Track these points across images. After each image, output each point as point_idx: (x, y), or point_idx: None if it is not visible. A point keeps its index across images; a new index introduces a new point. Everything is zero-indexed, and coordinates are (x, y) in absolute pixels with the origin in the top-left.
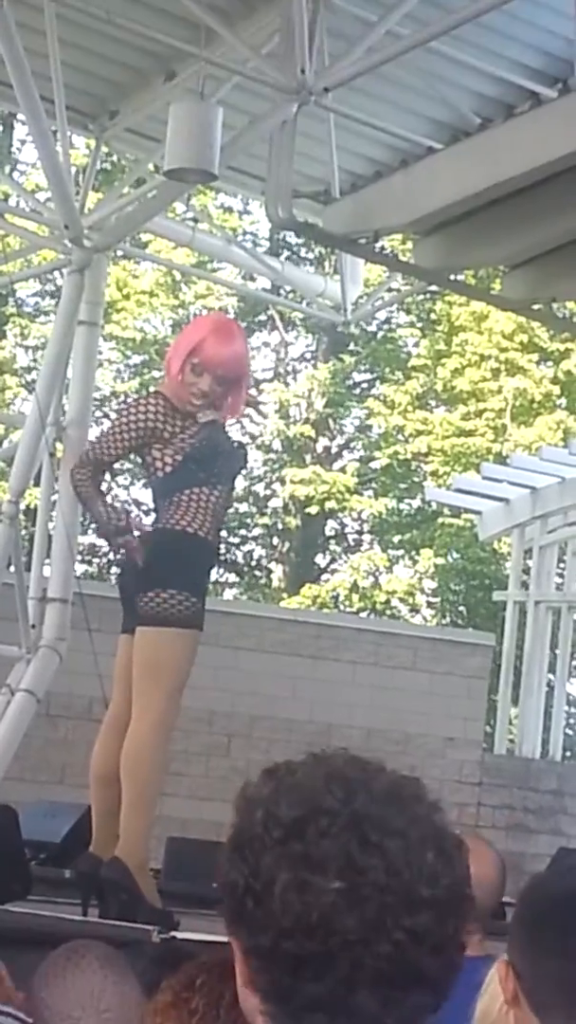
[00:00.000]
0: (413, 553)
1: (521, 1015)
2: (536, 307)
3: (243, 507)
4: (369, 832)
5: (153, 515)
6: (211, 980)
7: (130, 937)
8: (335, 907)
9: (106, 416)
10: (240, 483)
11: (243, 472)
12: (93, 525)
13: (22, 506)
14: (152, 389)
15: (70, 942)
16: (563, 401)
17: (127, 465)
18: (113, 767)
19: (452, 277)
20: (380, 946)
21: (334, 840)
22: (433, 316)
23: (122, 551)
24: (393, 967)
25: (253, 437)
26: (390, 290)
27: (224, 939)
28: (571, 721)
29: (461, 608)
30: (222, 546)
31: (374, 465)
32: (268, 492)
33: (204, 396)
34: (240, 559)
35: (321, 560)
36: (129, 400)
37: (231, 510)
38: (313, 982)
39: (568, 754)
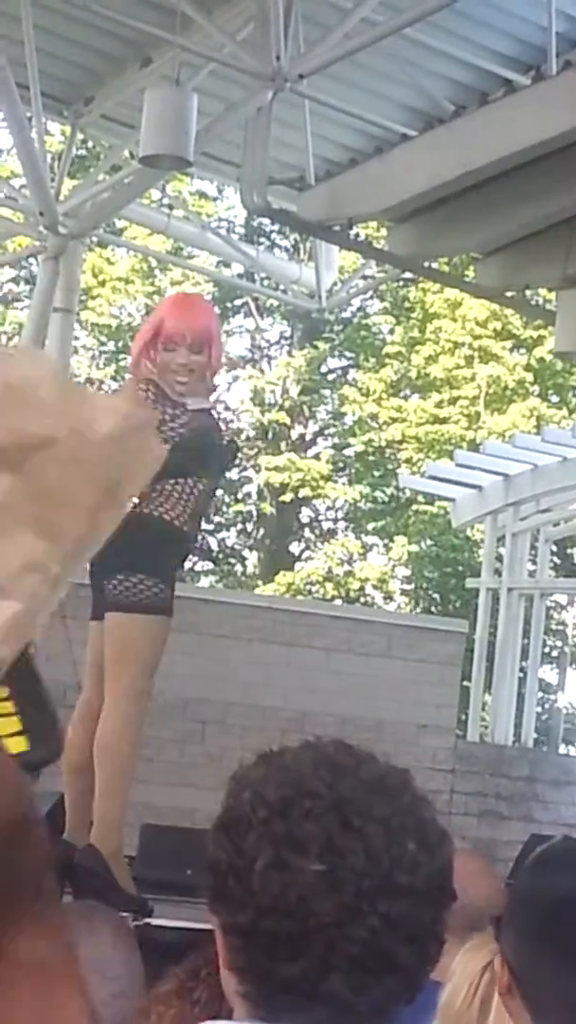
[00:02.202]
0: (387, 540)
1: (513, 1005)
2: (509, 294)
3: (217, 494)
4: (352, 817)
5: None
6: (215, 971)
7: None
8: (313, 888)
9: None
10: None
11: (232, 468)
12: None
13: None
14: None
15: (86, 902)
16: (536, 388)
17: None
18: (86, 755)
19: (426, 264)
20: (355, 930)
21: (316, 822)
22: (407, 303)
23: None
24: (367, 952)
25: (227, 423)
26: (364, 277)
27: (199, 926)
28: (543, 708)
29: (435, 595)
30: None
31: (348, 452)
32: (243, 479)
33: (187, 370)
34: (215, 546)
35: (295, 547)
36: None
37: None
38: (288, 962)
39: (542, 740)
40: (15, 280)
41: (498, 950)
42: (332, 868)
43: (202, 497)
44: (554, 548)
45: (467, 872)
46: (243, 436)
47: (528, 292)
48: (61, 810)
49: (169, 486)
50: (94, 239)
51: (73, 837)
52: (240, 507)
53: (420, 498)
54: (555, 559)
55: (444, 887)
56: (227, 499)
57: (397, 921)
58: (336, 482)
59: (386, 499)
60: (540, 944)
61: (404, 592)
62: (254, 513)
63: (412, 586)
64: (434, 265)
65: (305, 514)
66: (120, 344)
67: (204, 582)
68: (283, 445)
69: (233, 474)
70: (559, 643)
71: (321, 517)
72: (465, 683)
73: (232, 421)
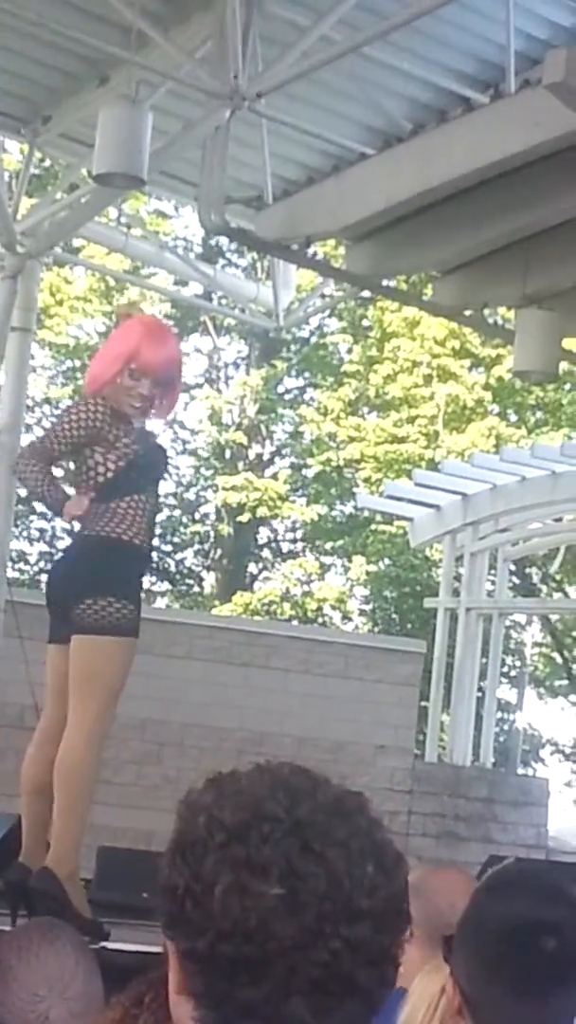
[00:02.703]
0: (345, 560)
1: None
2: (468, 313)
3: (175, 514)
4: (311, 840)
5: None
6: (160, 996)
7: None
8: (274, 912)
9: (39, 423)
10: (171, 490)
11: (166, 475)
12: (45, 506)
13: None
14: (86, 394)
15: (42, 918)
16: (495, 408)
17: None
18: (46, 778)
19: (384, 283)
20: (317, 953)
21: (276, 846)
22: (365, 322)
23: (74, 522)
24: (328, 975)
25: (185, 443)
26: (322, 296)
27: (156, 949)
28: (502, 728)
29: (393, 615)
30: (154, 554)
31: (306, 472)
32: (200, 499)
33: (144, 399)
34: (172, 567)
35: (253, 568)
36: (68, 404)
37: (160, 516)
38: (248, 987)
39: (501, 760)
40: None
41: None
42: (293, 892)
43: (150, 511)
44: (512, 568)
45: (454, 888)
46: (200, 456)
47: (487, 311)
48: (18, 832)
49: (124, 504)
50: (52, 258)
51: (29, 859)
52: (197, 527)
53: (378, 517)
54: (513, 579)
55: (401, 910)
56: (184, 519)
57: (358, 944)
58: (294, 502)
59: (344, 519)
60: (491, 969)
61: (362, 612)
62: (211, 533)
63: (370, 606)
64: (392, 284)
65: (263, 534)
66: (78, 363)
67: (161, 603)
68: (240, 465)
69: (190, 494)
70: (517, 663)
71: (279, 537)
72: (423, 703)
73: (190, 442)
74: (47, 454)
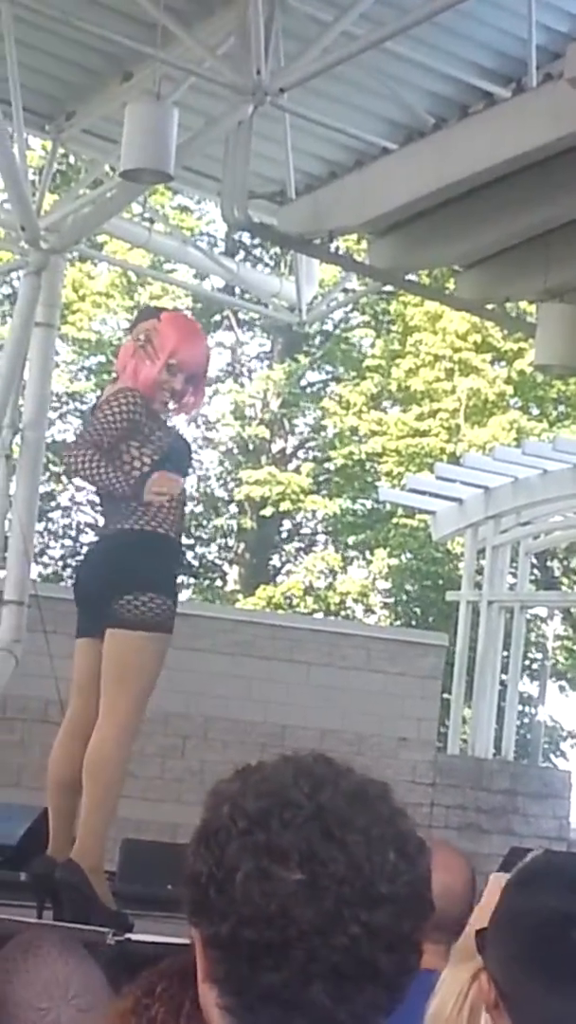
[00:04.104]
0: (367, 553)
1: (500, 1019)
2: (490, 307)
3: (198, 508)
4: (332, 826)
5: (107, 515)
6: (172, 987)
7: (85, 940)
8: (294, 897)
9: (62, 418)
10: (195, 484)
11: (192, 469)
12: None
13: None
14: (121, 387)
15: (21, 934)
16: (516, 401)
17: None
18: (73, 773)
19: (406, 277)
20: (336, 938)
21: (297, 831)
22: (387, 316)
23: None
24: (348, 961)
25: (208, 438)
26: (345, 290)
27: (179, 940)
28: (523, 721)
29: (415, 608)
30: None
31: (329, 466)
32: (223, 493)
33: (175, 394)
34: (195, 560)
35: (276, 561)
36: (107, 396)
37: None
38: (269, 972)
39: (523, 753)
40: None
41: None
42: (313, 877)
43: (182, 504)
44: (534, 561)
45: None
46: (223, 450)
47: (508, 305)
48: (44, 824)
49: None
50: (75, 253)
51: (54, 852)
52: (220, 521)
53: (400, 511)
54: (535, 572)
55: (423, 896)
56: (207, 513)
57: (378, 930)
58: (316, 495)
59: (366, 512)
60: (524, 963)
61: (384, 605)
62: (234, 527)
63: (392, 599)
64: (415, 278)
65: (285, 528)
66: (102, 359)
67: (184, 596)
68: (263, 459)
69: (214, 488)
70: (539, 656)
71: (301, 531)
72: (445, 696)
73: (214, 436)
74: (97, 446)
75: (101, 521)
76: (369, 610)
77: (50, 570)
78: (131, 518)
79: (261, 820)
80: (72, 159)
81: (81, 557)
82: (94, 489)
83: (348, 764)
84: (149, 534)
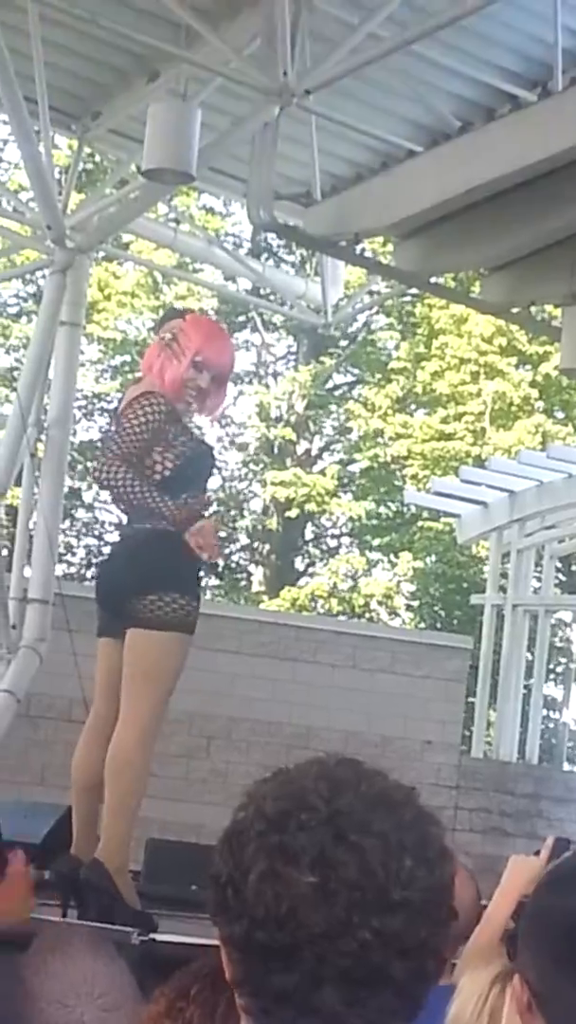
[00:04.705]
0: (392, 556)
1: (533, 1021)
2: (515, 310)
3: (223, 509)
4: (347, 830)
5: (129, 514)
6: (205, 989)
7: (110, 939)
8: (305, 900)
9: (87, 416)
10: (220, 484)
11: (214, 471)
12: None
13: (2, 507)
14: (143, 390)
15: (51, 931)
16: (542, 405)
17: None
18: (96, 774)
19: (432, 280)
20: (346, 943)
21: (311, 834)
22: (413, 319)
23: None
24: (358, 965)
25: (233, 439)
26: (370, 293)
27: (204, 941)
28: (548, 725)
29: (439, 611)
30: None
31: (354, 468)
32: (248, 494)
33: (200, 393)
34: (220, 561)
35: (300, 563)
36: (131, 402)
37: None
38: (280, 974)
39: (547, 757)
40: (22, 295)
41: (510, 965)
42: (324, 880)
43: (204, 508)
44: (559, 565)
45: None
46: (248, 451)
47: (534, 308)
48: (68, 824)
49: (181, 501)
50: (101, 253)
51: (79, 852)
52: (245, 522)
53: (425, 514)
54: (560, 576)
55: (441, 903)
56: (232, 514)
57: (391, 936)
58: (341, 498)
59: (391, 515)
60: (561, 964)
61: (409, 608)
62: (259, 528)
63: (417, 602)
64: (440, 281)
65: (310, 529)
66: (126, 358)
67: (209, 597)
68: (288, 460)
69: (239, 489)
70: (563, 660)
71: (326, 533)
72: (470, 699)
73: (239, 437)
74: (126, 459)
75: (124, 520)
76: (393, 613)
77: (74, 569)
78: (153, 518)
79: (278, 822)
80: (98, 158)
81: (104, 556)
82: (136, 502)
83: (377, 768)
84: (172, 534)
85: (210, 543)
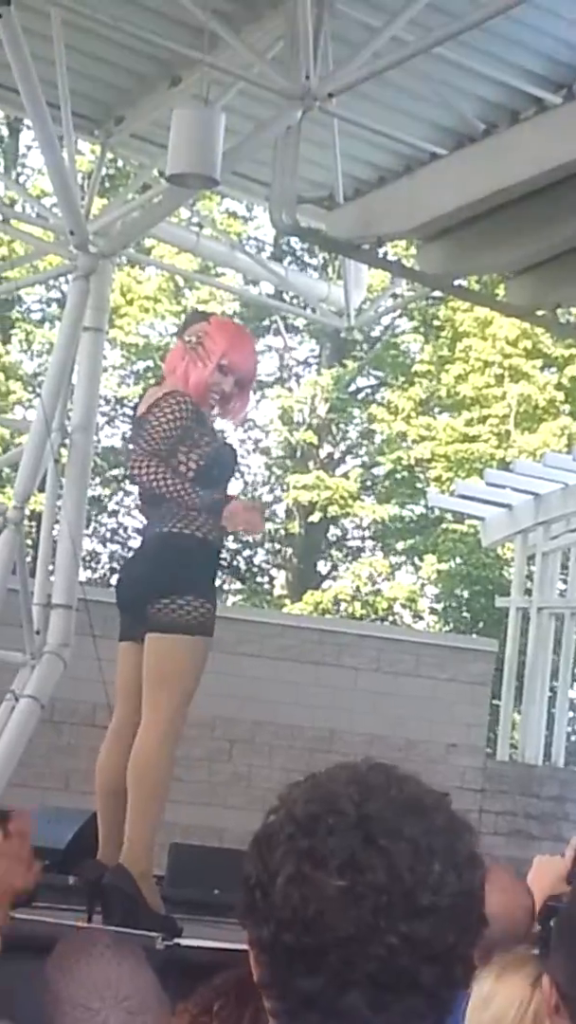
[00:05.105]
0: (416, 559)
1: (562, 1023)
2: (540, 313)
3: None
4: (376, 834)
5: (149, 518)
6: (229, 1004)
7: (135, 943)
8: (332, 903)
9: (110, 422)
10: (242, 488)
11: (237, 474)
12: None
13: (27, 511)
14: (169, 390)
15: (77, 934)
16: (567, 407)
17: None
18: (120, 778)
19: (456, 283)
20: (372, 947)
21: (339, 838)
22: (436, 322)
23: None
24: (385, 969)
25: (256, 442)
26: (394, 296)
27: (228, 945)
28: (573, 727)
29: (464, 614)
30: (224, 552)
31: (377, 471)
32: (271, 498)
33: (224, 396)
34: (243, 565)
35: (323, 566)
36: (156, 400)
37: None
38: (306, 978)
39: (572, 759)
40: (45, 300)
41: (542, 967)
42: (352, 884)
43: (223, 510)
44: None
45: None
46: (271, 455)
47: (559, 310)
48: (93, 829)
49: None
50: (124, 258)
51: (104, 857)
52: (268, 526)
53: (449, 517)
54: None
55: (470, 909)
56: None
57: (418, 941)
58: (365, 501)
59: (415, 518)
60: None
61: (433, 611)
62: (282, 532)
63: (441, 605)
64: (464, 283)
65: (333, 533)
66: (149, 363)
67: (231, 601)
68: (311, 464)
69: (262, 493)
70: None
71: (349, 536)
72: (495, 702)
73: (262, 441)
74: (156, 455)
75: (144, 523)
76: (418, 616)
77: (98, 574)
78: (170, 521)
79: (307, 826)
80: (121, 163)
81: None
82: (169, 496)
83: (410, 773)
84: (188, 537)
85: (249, 519)
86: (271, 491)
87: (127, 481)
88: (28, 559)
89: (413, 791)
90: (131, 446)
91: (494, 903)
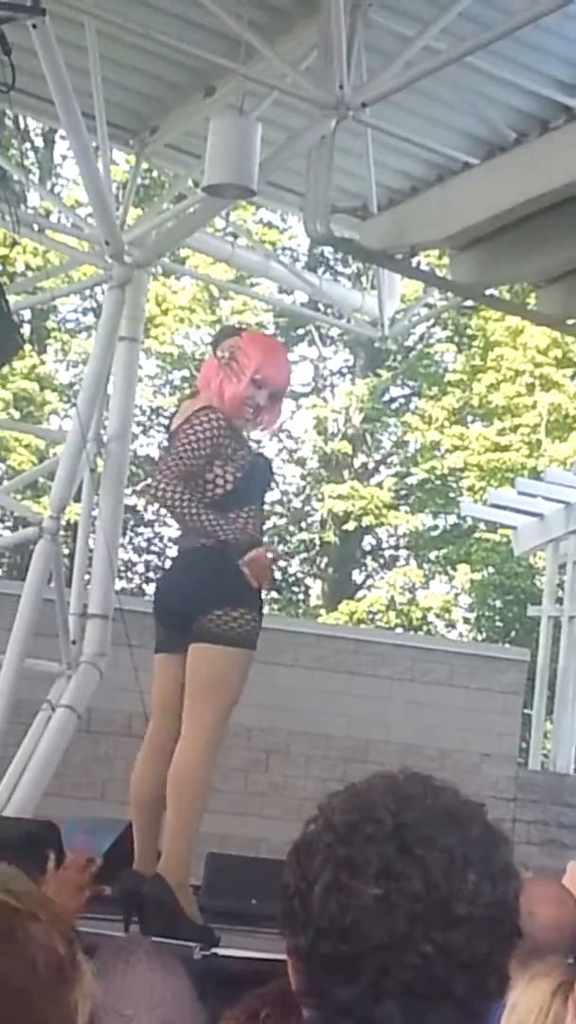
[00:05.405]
0: (449, 568)
1: None
2: (571, 322)
3: (280, 523)
4: (413, 844)
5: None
6: (276, 1012)
7: (172, 953)
8: (368, 912)
9: (145, 432)
10: (277, 498)
11: (273, 485)
12: (214, 538)
13: (63, 522)
14: (202, 405)
15: (116, 940)
16: None
17: None
18: (156, 789)
19: (487, 292)
20: (407, 956)
21: (376, 847)
22: (469, 331)
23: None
24: (419, 979)
25: (291, 452)
26: (426, 305)
27: (265, 955)
28: None
29: (497, 623)
30: None
31: (410, 480)
32: (306, 508)
33: (258, 410)
34: (278, 575)
35: (358, 576)
36: (188, 416)
37: (266, 525)
38: (343, 986)
39: None
40: (81, 310)
41: (571, 974)
42: (387, 893)
43: (261, 522)
44: None
45: (534, 897)
46: (306, 465)
47: None
48: (129, 839)
49: (244, 515)
50: (158, 268)
51: (141, 867)
52: (303, 536)
53: (482, 526)
54: None
55: (504, 920)
56: (290, 528)
57: (452, 950)
58: (399, 510)
59: (448, 527)
60: None
61: (466, 620)
62: (317, 542)
63: (474, 614)
64: (496, 293)
65: (368, 542)
66: (184, 373)
67: (267, 611)
68: (346, 474)
69: (296, 503)
70: None
71: (384, 545)
72: (527, 711)
73: (295, 450)
74: (183, 478)
75: (181, 534)
76: (451, 625)
77: (134, 584)
78: (207, 537)
79: (345, 834)
80: (155, 173)
81: (163, 571)
82: (191, 524)
83: (447, 784)
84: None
85: (264, 574)
86: (306, 502)
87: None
88: (64, 569)
89: (449, 801)
90: (159, 461)
91: (545, 914)
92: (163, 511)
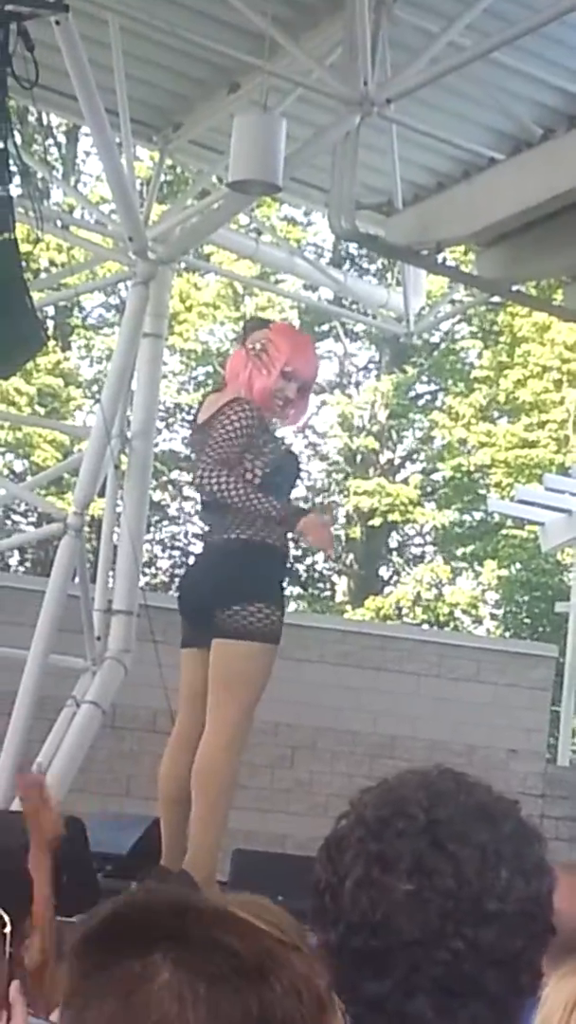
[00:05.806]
0: (476, 565)
1: None
2: None
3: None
4: (445, 840)
5: (211, 524)
6: None
7: None
8: (400, 907)
9: (169, 428)
10: (303, 494)
11: (299, 480)
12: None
13: (87, 518)
14: (232, 397)
15: None
16: None
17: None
18: (183, 785)
19: (514, 288)
20: (438, 952)
21: (408, 842)
22: (495, 327)
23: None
24: (450, 974)
25: (316, 448)
26: (452, 301)
27: None
28: None
29: (524, 619)
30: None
31: (437, 477)
32: (333, 504)
33: (287, 402)
34: (304, 571)
35: (384, 572)
36: (221, 407)
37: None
38: (373, 981)
39: None
40: (105, 306)
41: None
42: (419, 888)
43: (289, 516)
44: None
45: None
46: (331, 461)
47: None
48: (155, 835)
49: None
50: (182, 264)
51: (169, 863)
52: None
53: (509, 522)
54: None
55: (537, 916)
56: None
57: (483, 946)
58: (425, 507)
59: (475, 523)
60: None
61: (493, 616)
62: (343, 538)
63: (502, 610)
64: (522, 289)
65: (394, 539)
66: (208, 369)
67: (293, 607)
68: (372, 470)
69: (322, 499)
70: None
71: (410, 542)
72: (555, 708)
73: (320, 446)
74: (224, 463)
75: (207, 529)
76: (478, 621)
77: (158, 579)
78: (236, 528)
79: (377, 830)
80: (179, 170)
81: (187, 566)
82: (240, 506)
83: (480, 780)
84: (256, 544)
85: (324, 537)
86: (327, 497)
87: (192, 487)
88: (88, 565)
89: (482, 798)
90: (194, 455)
91: (571, 911)
92: (207, 499)
